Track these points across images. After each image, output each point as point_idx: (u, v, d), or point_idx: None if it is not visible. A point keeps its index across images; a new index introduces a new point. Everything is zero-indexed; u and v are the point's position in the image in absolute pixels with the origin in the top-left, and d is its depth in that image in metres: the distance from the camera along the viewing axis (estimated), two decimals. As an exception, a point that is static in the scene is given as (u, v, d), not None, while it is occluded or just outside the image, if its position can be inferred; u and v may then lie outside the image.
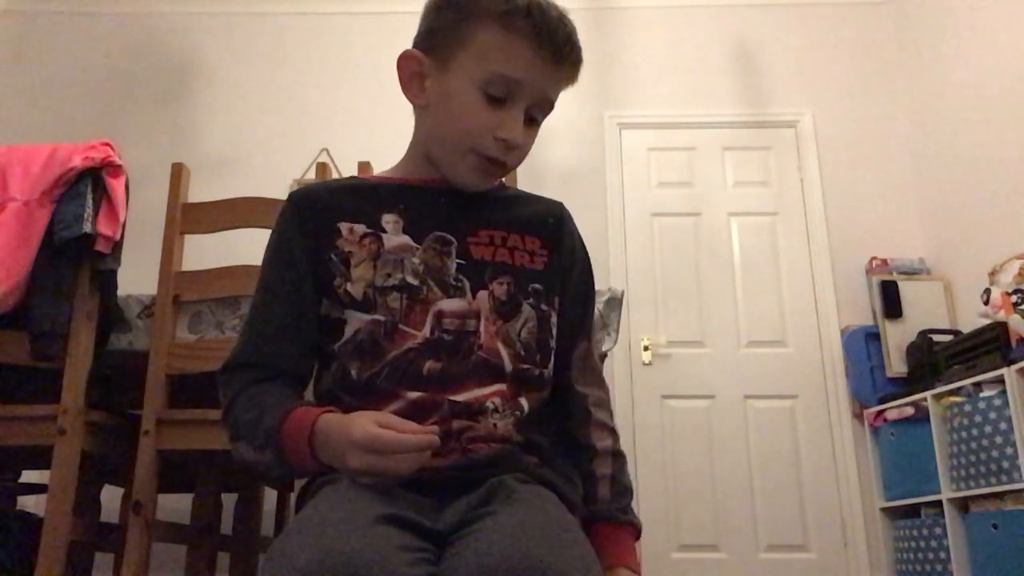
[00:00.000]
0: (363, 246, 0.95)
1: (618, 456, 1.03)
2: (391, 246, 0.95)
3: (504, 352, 0.93)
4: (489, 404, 0.90)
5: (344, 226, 0.96)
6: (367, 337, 0.92)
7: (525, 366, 0.95)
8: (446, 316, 0.93)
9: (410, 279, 0.94)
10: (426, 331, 0.92)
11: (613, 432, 1.04)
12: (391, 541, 0.71)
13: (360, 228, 0.96)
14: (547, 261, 1.01)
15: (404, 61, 1.00)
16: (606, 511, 0.98)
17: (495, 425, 0.90)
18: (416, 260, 0.95)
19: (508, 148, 0.95)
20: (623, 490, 1.00)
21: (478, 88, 0.94)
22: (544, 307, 0.98)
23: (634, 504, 1.02)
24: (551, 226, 1.04)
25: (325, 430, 0.85)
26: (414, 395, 0.89)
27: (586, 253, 1.09)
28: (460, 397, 0.90)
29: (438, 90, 0.97)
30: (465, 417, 0.89)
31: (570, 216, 1.09)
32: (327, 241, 0.96)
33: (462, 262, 0.96)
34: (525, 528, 0.73)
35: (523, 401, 0.94)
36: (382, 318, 0.92)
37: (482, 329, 0.93)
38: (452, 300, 0.94)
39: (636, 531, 0.99)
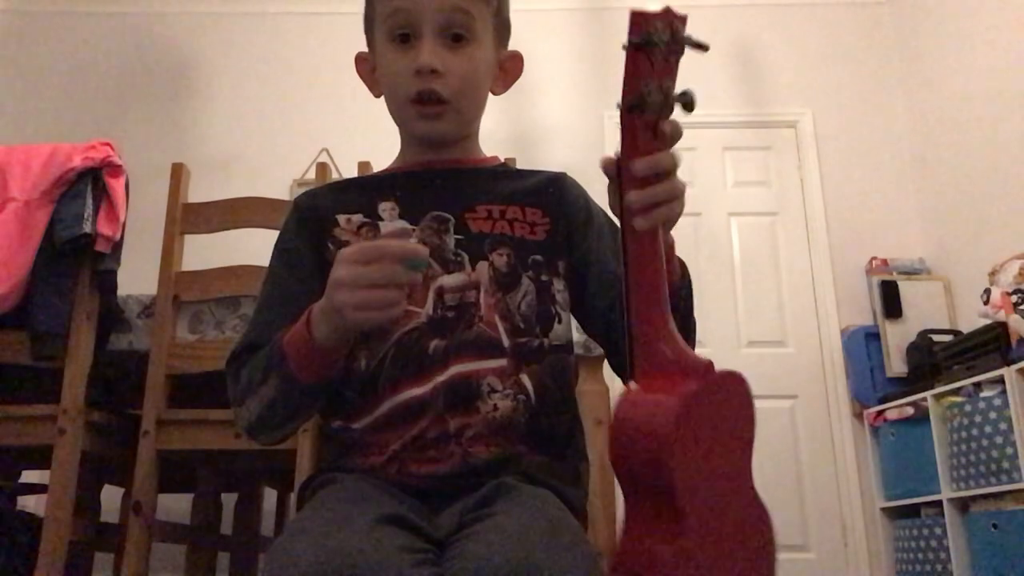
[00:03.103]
0: (360, 235, 0.97)
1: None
2: (387, 232, 0.97)
3: (501, 327, 0.92)
4: (485, 386, 0.89)
5: (342, 217, 0.99)
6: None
7: (523, 339, 0.93)
8: (447, 292, 0.93)
9: None
10: (428, 308, 0.92)
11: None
12: (394, 542, 0.70)
13: (357, 218, 0.98)
14: (549, 230, 0.99)
15: (357, 64, 1.06)
16: None
17: (495, 407, 0.88)
18: (413, 241, 0.95)
19: (429, 77, 0.94)
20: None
21: (388, 41, 0.97)
22: (544, 277, 0.96)
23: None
24: (551, 195, 1.03)
25: (317, 305, 0.84)
26: (410, 393, 0.89)
27: (588, 196, 1.07)
28: (459, 368, 0.89)
29: (378, 71, 1.02)
30: (462, 410, 0.88)
31: (574, 183, 1.07)
32: (327, 233, 0.98)
33: (460, 237, 0.96)
34: (525, 531, 0.72)
35: (526, 380, 0.91)
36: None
37: (482, 300, 0.93)
38: (452, 275, 0.94)
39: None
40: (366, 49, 1.06)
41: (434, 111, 0.96)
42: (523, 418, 0.90)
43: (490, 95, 1.06)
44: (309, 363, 0.85)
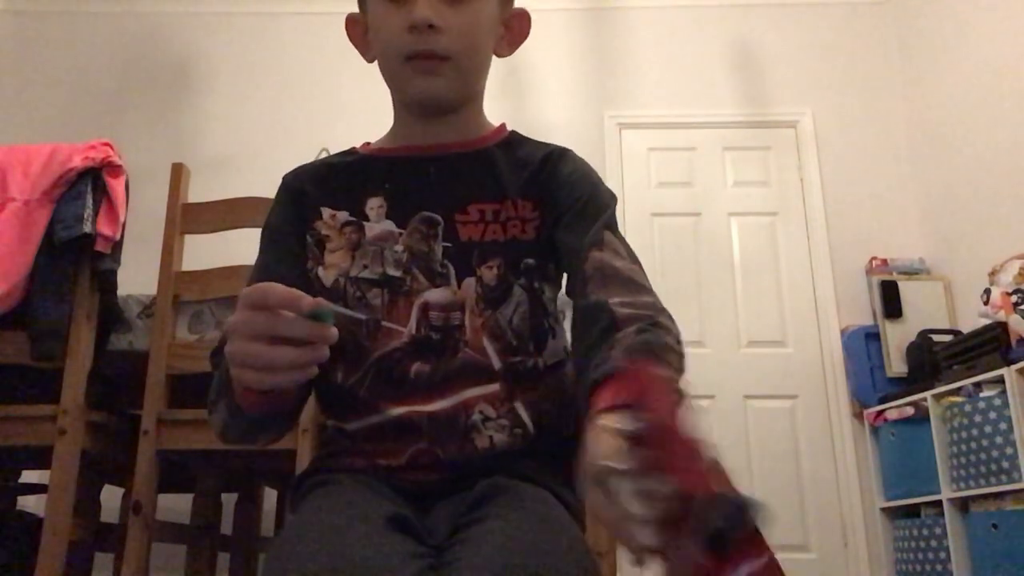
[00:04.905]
0: (343, 234, 0.91)
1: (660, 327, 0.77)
2: (372, 236, 0.90)
3: (491, 348, 0.86)
4: (477, 414, 0.84)
5: (327, 211, 0.93)
6: (348, 337, 0.85)
7: (516, 358, 0.87)
8: (432, 309, 0.86)
9: (391, 271, 0.88)
10: (411, 327, 0.86)
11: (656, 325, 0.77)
12: (400, 548, 0.68)
13: (343, 215, 0.92)
14: (539, 225, 0.90)
15: (348, 27, 0.99)
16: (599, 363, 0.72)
17: (491, 440, 0.84)
18: (399, 247, 0.89)
19: (426, 33, 0.86)
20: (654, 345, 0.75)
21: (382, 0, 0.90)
22: (537, 284, 0.89)
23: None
24: (543, 181, 0.93)
25: None
26: (396, 411, 0.84)
27: (585, 174, 0.95)
28: (446, 403, 0.84)
29: (371, 31, 0.95)
30: (454, 446, 0.83)
31: (572, 158, 0.96)
32: (308, 223, 0.93)
33: (448, 245, 0.89)
34: (518, 535, 0.69)
35: (522, 411, 0.85)
36: (363, 317, 0.86)
37: (467, 323, 0.86)
38: (438, 290, 0.87)
39: (665, 367, 0.73)
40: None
41: (430, 65, 0.88)
42: (522, 447, 0.86)
43: (495, 58, 0.97)
44: (248, 401, 0.76)
